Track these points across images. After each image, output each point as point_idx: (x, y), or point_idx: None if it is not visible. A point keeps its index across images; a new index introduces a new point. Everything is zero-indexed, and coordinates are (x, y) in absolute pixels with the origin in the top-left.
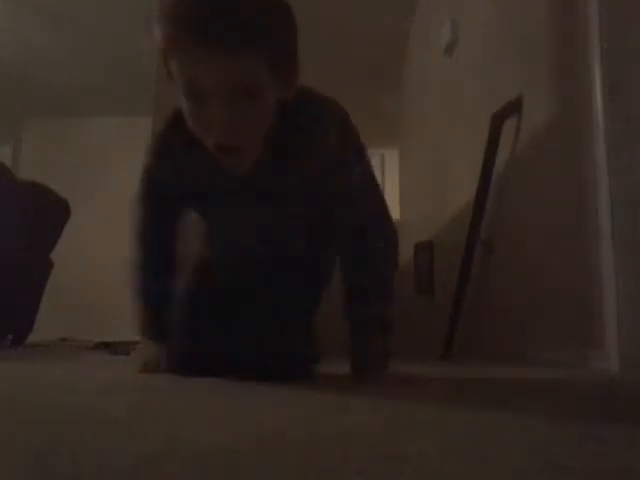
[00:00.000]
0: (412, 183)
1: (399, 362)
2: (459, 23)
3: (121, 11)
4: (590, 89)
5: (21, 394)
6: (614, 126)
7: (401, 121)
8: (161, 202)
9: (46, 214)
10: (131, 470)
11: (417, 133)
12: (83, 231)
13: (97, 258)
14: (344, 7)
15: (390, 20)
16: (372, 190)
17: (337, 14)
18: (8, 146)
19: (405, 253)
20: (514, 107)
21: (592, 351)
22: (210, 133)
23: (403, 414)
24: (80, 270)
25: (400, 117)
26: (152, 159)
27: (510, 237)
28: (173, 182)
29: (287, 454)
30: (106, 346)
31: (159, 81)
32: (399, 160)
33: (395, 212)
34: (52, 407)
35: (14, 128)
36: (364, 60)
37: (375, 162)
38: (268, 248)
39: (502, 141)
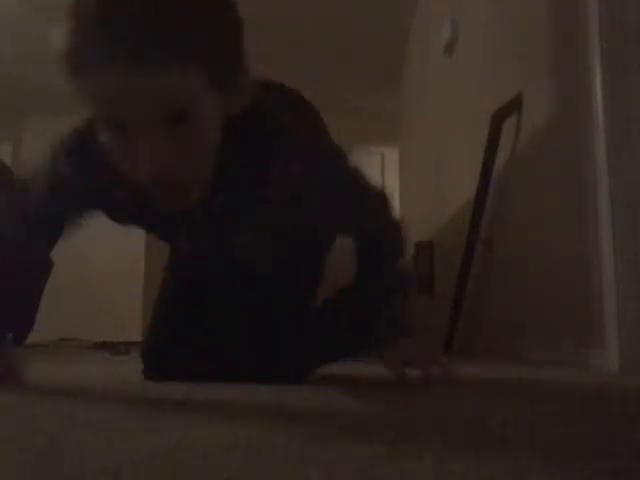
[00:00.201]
0: (412, 182)
1: None
2: (459, 23)
3: None
4: (590, 89)
5: (21, 393)
6: (614, 126)
7: (401, 120)
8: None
9: None
10: (131, 470)
11: (417, 132)
12: (83, 230)
13: (97, 258)
14: (344, 7)
15: (390, 20)
16: (359, 194)
17: (337, 14)
18: (8, 145)
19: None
20: (514, 105)
21: (592, 351)
22: (138, 169)
23: (400, 413)
24: (80, 270)
25: (400, 117)
26: (57, 167)
27: (510, 237)
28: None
29: (285, 453)
30: (106, 346)
31: None
32: (399, 159)
33: (395, 212)
34: (52, 407)
35: (14, 127)
36: (364, 60)
37: (375, 161)
38: (225, 272)
39: (502, 141)
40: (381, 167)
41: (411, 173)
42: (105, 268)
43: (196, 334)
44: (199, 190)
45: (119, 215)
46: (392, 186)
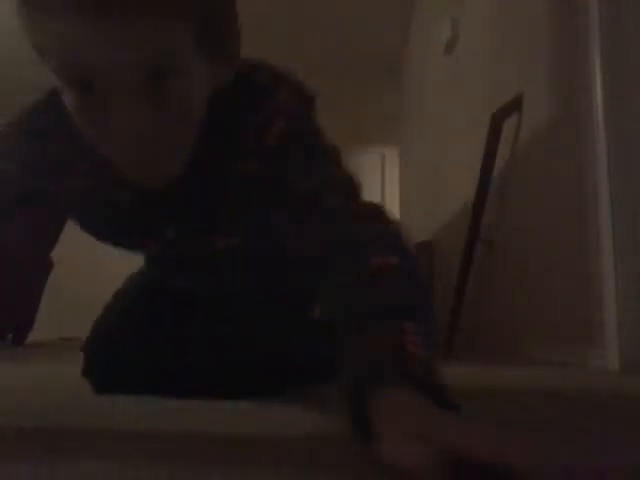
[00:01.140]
0: (412, 182)
1: None
2: (459, 22)
3: None
4: (590, 89)
5: (22, 392)
6: (614, 126)
7: (401, 120)
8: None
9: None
10: (132, 469)
11: (417, 132)
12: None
13: (97, 257)
14: (344, 7)
15: (390, 20)
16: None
17: (337, 14)
18: None
19: None
20: (514, 106)
21: (592, 351)
22: (113, 145)
23: None
24: (80, 269)
25: (400, 117)
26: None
27: (510, 237)
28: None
29: (288, 453)
30: None
31: None
32: (399, 159)
33: (395, 212)
34: (53, 406)
35: None
36: (364, 60)
37: (375, 161)
38: (197, 283)
39: (502, 141)
40: (381, 167)
41: (411, 173)
42: (105, 268)
43: (156, 335)
44: (177, 167)
45: (83, 210)
46: (392, 186)
